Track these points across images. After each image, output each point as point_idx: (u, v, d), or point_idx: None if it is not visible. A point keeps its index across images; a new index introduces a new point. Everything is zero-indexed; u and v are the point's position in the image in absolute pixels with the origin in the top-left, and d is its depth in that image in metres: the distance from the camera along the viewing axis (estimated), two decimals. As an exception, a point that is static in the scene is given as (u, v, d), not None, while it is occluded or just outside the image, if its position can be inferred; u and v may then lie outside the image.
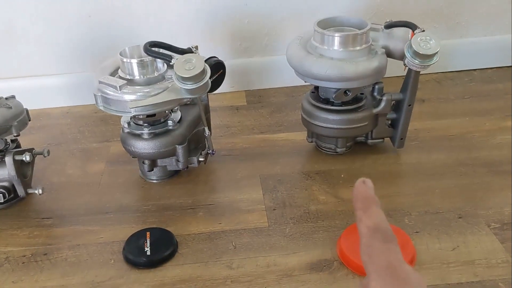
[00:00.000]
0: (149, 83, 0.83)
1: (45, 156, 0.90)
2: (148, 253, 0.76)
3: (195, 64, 0.76)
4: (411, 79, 0.89)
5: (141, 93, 0.81)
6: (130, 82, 0.82)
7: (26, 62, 1.22)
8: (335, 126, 0.93)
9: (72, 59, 1.23)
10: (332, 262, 0.74)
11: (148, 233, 0.80)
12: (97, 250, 0.79)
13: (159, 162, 0.93)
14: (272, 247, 0.78)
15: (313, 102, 0.95)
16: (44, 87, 1.24)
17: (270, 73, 1.29)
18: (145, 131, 0.88)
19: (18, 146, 0.91)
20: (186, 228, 0.83)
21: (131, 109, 0.80)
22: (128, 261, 0.76)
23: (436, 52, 0.81)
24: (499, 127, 1.06)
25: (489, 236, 0.77)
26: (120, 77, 0.83)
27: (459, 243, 0.76)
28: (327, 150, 1.01)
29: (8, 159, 0.84)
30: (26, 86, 1.20)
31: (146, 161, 0.91)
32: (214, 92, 0.90)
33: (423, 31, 0.83)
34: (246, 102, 1.25)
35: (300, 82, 0.93)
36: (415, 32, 0.83)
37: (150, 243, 0.78)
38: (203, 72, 0.77)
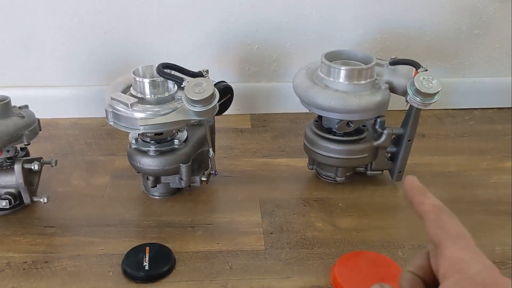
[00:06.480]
0: (159, 102, 0.86)
1: (52, 166, 0.92)
2: (146, 267, 0.78)
3: (205, 88, 0.79)
4: (412, 115, 0.92)
5: (151, 112, 0.83)
6: (141, 100, 0.85)
7: (39, 72, 1.25)
8: (336, 156, 0.96)
9: (84, 73, 1.26)
10: (325, 289, 0.76)
11: (147, 248, 0.82)
12: (97, 262, 0.81)
13: (162, 179, 0.95)
14: (267, 270, 0.80)
15: (316, 130, 0.98)
16: (55, 98, 1.27)
17: (275, 99, 1.32)
18: (152, 148, 0.90)
19: (27, 154, 0.94)
20: (185, 245, 0.85)
21: (140, 126, 0.82)
22: (126, 274, 0.78)
23: (437, 92, 0.84)
24: (495, 167, 1.09)
25: (479, 274, 0.79)
26: (132, 95, 0.86)
27: (450, 278, 0.78)
28: (327, 178, 1.03)
29: (17, 167, 0.86)
30: (38, 95, 1.23)
31: (150, 177, 0.93)
32: (220, 114, 0.92)
33: (426, 70, 0.86)
34: (251, 126, 1.28)
35: (304, 109, 0.96)
36: (418, 70, 0.86)
37: (148, 258, 0.79)
38: (212, 96, 0.80)
